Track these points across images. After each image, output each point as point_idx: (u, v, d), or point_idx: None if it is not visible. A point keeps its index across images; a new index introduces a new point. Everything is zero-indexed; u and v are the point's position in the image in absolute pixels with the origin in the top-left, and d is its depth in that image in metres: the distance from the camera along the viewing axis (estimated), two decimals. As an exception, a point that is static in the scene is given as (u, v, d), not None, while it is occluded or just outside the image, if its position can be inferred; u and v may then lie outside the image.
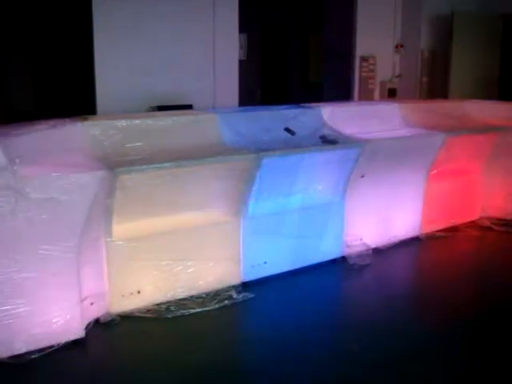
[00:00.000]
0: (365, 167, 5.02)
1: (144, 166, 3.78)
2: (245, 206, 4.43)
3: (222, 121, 4.64)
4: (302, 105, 5.43)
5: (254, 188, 4.37)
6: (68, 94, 8.92)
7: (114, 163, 3.76)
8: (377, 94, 8.92)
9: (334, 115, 5.30)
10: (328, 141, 4.72)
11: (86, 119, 4.16)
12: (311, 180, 4.87)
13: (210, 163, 4.05)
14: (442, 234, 5.99)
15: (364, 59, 8.78)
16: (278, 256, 4.76)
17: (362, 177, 5.08)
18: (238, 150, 4.26)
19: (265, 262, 4.68)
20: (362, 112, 5.71)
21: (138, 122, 4.26)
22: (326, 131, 4.97)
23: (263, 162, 4.22)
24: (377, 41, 8.80)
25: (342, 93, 8.77)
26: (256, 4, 11.86)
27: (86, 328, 3.78)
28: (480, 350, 3.79)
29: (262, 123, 4.81)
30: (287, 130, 4.74)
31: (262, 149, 4.27)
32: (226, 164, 4.18)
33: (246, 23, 11.43)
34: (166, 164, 3.82)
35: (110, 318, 3.98)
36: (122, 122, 4.18)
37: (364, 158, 4.91)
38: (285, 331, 3.98)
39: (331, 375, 3.46)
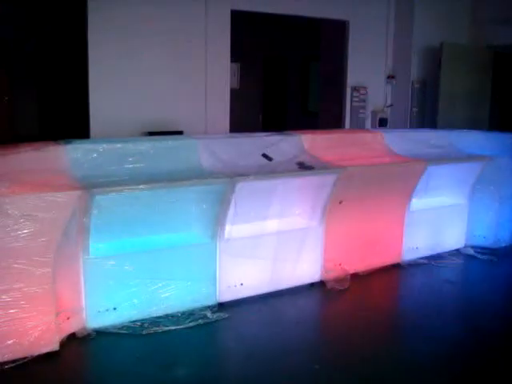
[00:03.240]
0: (343, 193, 5.16)
1: (119, 188, 3.96)
2: (221, 229, 4.58)
3: (202, 146, 4.83)
4: (284, 132, 5.61)
5: (230, 211, 4.54)
6: (70, 119, 9.21)
7: (92, 184, 3.94)
8: (368, 123, 9.11)
9: (314, 143, 5.48)
10: (304, 167, 4.89)
11: (69, 142, 4.37)
12: (288, 204, 5.02)
13: (183, 186, 4.22)
14: (425, 261, 6.05)
15: (355, 89, 8.99)
16: (254, 278, 4.88)
17: (341, 203, 5.20)
18: (213, 174, 4.44)
19: (241, 284, 4.81)
20: (343, 140, 5.88)
21: (118, 145, 4.47)
22: (304, 157, 5.14)
23: (237, 186, 4.39)
24: (368, 71, 9.03)
25: (335, 121, 8.97)
26: (259, 35, 12.19)
27: (62, 341, 3.92)
28: (457, 377, 3.83)
29: (241, 149, 5.00)
30: (264, 155, 4.92)
31: (236, 173, 4.45)
32: (202, 187, 4.37)
33: (249, 53, 11.79)
34: (141, 186, 4.00)
35: (85, 333, 4.12)
36: (103, 146, 4.39)
37: (341, 184, 5.05)
38: (255, 350, 4.11)
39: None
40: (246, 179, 4.44)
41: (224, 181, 4.35)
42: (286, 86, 13.06)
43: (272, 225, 4.97)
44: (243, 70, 11.94)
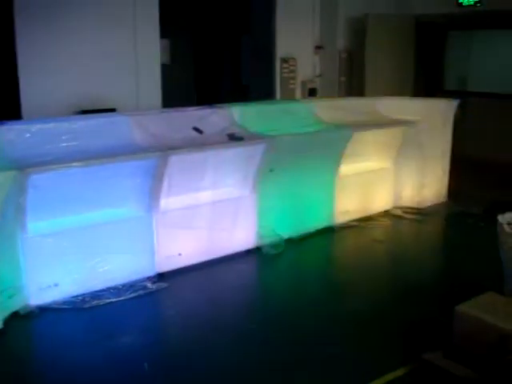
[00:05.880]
0: (273, 162, 5.37)
1: (54, 166, 4.04)
2: (156, 202, 4.74)
3: (134, 122, 4.94)
4: (214, 105, 5.77)
5: (164, 184, 4.69)
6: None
7: (27, 164, 4.01)
8: (298, 93, 9.32)
9: (244, 115, 5.66)
10: (234, 138, 5.08)
11: (1, 124, 4.40)
12: (221, 175, 5.21)
13: (117, 162, 4.34)
14: (356, 223, 6.37)
15: (284, 61, 9.16)
16: (192, 248, 5.07)
17: (271, 171, 5.42)
18: (146, 149, 4.57)
19: (179, 254, 4.99)
20: (272, 111, 6.07)
21: (52, 125, 4.54)
22: (234, 129, 5.32)
23: (170, 160, 4.55)
24: (297, 42, 9.18)
25: (266, 93, 9.12)
26: (187, 9, 12.12)
27: (6, 320, 4.02)
28: (388, 330, 4.08)
29: (173, 124, 5.13)
30: (195, 129, 5.08)
31: (169, 147, 4.60)
32: (136, 162, 4.50)
33: (181, 29, 11.73)
34: (74, 164, 4.10)
35: (28, 310, 4.22)
36: (37, 126, 4.44)
37: (270, 153, 5.27)
38: (194, 314, 4.34)
39: (234, 355, 3.79)
40: (177, 152, 4.59)
41: (156, 155, 4.49)
42: (218, 60, 13.09)
43: (206, 196, 5.14)
44: (175, 46, 11.89)
